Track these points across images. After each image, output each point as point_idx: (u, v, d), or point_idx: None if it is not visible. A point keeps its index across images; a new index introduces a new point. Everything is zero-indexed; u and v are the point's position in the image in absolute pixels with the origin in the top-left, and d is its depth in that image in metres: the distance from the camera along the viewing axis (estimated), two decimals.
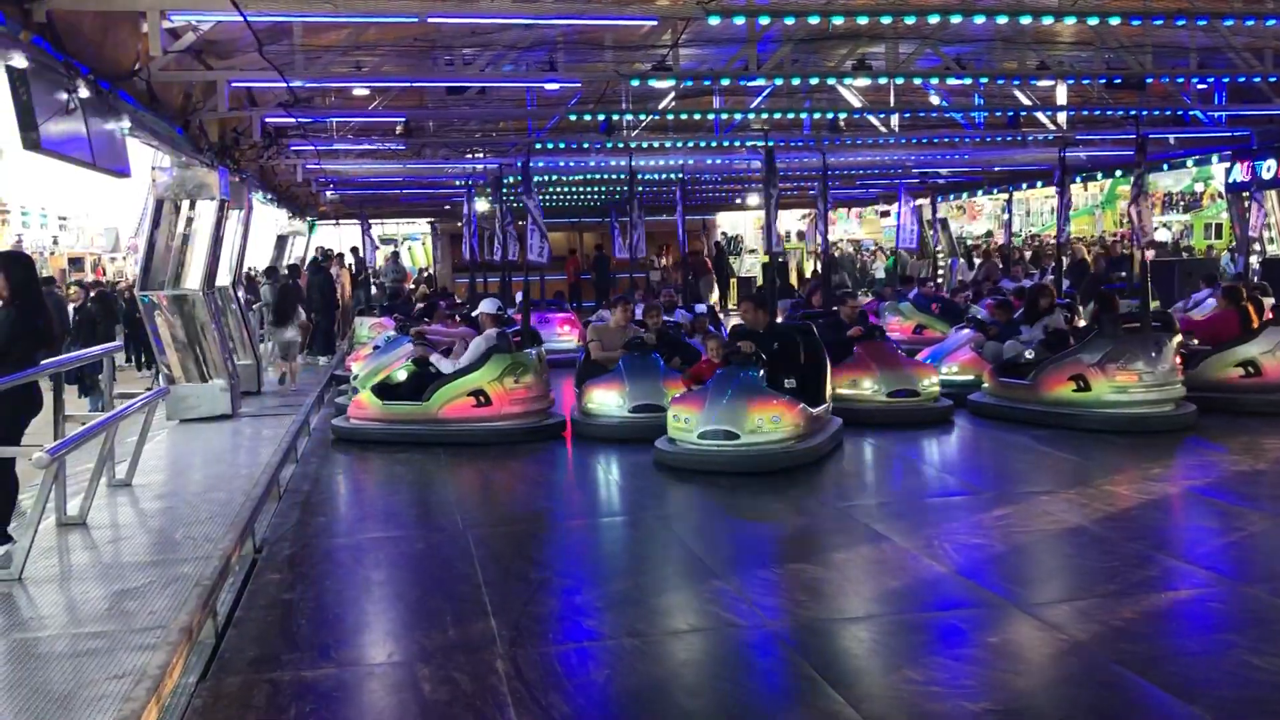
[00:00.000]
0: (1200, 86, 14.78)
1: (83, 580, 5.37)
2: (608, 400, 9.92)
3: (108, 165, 7.29)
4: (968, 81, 13.67)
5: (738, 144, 16.50)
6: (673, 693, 4.24)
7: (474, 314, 12.32)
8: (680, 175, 18.80)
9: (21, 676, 4.09)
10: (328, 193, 22.89)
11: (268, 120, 12.85)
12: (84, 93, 6.74)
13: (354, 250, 24.56)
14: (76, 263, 28.61)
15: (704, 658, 4.66)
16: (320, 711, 4.10)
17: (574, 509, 7.76)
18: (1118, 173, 21.64)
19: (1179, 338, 10.16)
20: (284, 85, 10.22)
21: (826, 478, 8.16)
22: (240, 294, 14.13)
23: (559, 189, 23.82)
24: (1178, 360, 9.78)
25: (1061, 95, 14.70)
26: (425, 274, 31.80)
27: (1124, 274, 17.48)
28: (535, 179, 20.13)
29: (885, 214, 32.42)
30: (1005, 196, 23.60)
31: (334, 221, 27.12)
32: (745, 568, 5.88)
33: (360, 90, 14.06)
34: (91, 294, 18.05)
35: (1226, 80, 14.01)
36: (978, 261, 24.02)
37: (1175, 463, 8.40)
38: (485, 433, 9.77)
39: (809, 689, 4.22)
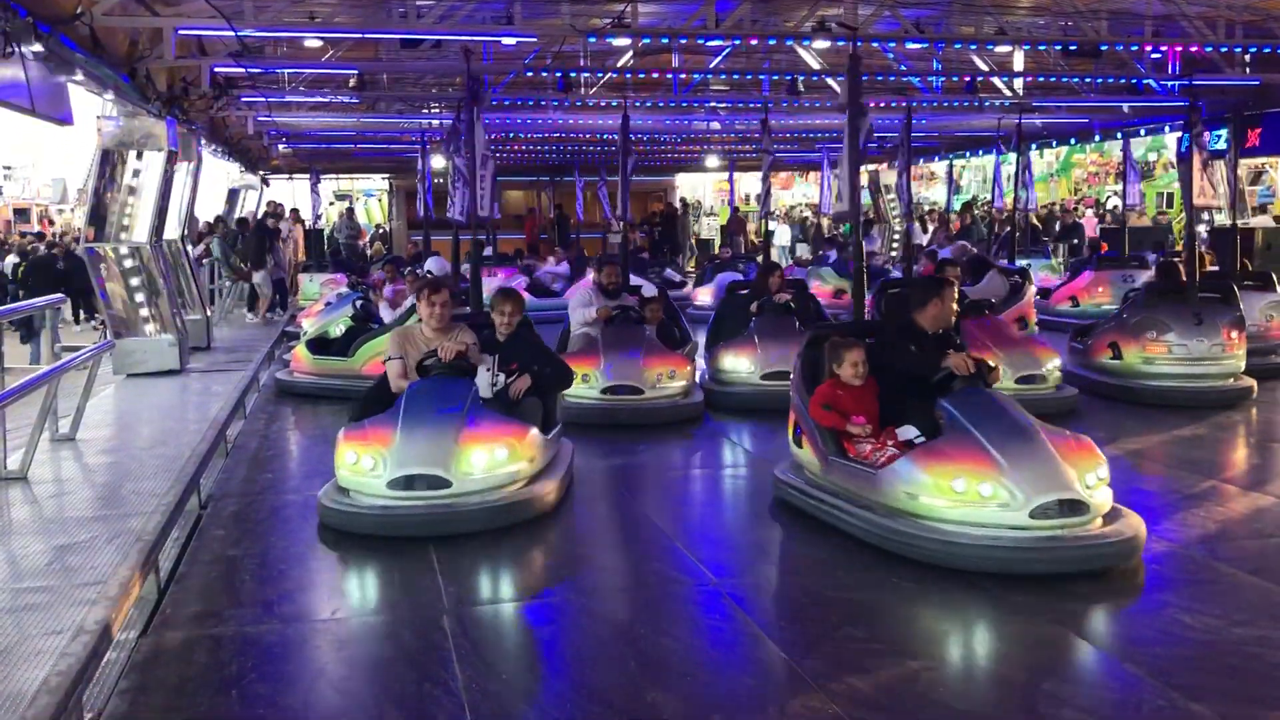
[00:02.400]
0: (1154, 56, 14.91)
1: (23, 535, 5.29)
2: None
3: (48, 112, 7.12)
4: (926, 45, 13.68)
5: (696, 105, 16.43)
6: (618, 647, 4.26)
7: (420, 271, 12.28)
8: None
9: None
10: (280, 146, 22.52)
11: (217, 70, 12.59)
12: (22, 36, 6.55)
13: (294, 211, 24.18)
14: (22, 213, 28.01)
15: (649, 613, 4.69)
16: (263, 666, 4.08)
17: None
18: (1072, 140, 21.82)
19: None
20: (233, 34, 10.01)
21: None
22: (189, 248, 13.92)
23: (518, 146, 23.61)
24: (1234, 335, 9.07)
25: (1019, 61, 14.76)
26: (380, 231, 31.49)
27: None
28: (492, 135, 20.00)
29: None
30: (963, 163, 23.78)
31: (286, 176, 26.72)
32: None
33: (312, 41, 13.82)
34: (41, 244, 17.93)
35: (1180, 50, 14.15)
36: (932, 227, 24.19)
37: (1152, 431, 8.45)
38: None
39: (752, 644, 4.27)
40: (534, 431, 6.03)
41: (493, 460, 5.65)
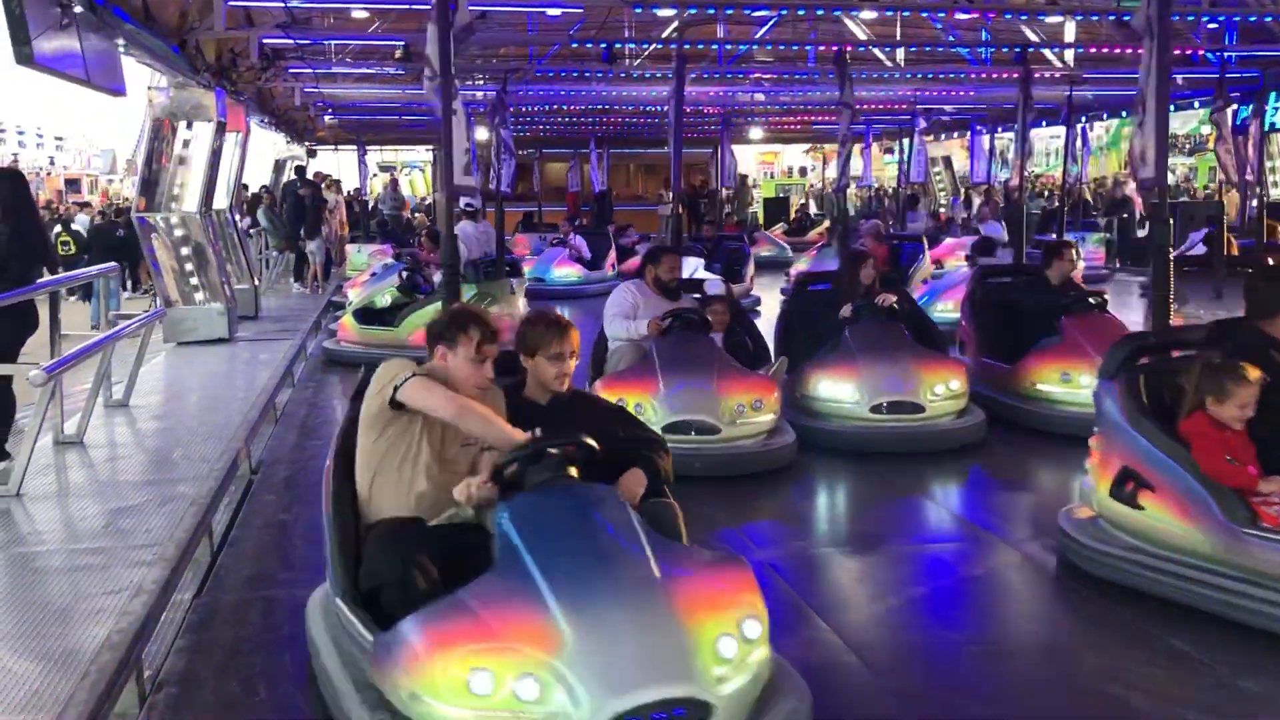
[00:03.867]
0: (1211, 26, 14.59)
1: (80, 498, 5.41)
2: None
3: (102, 83, 7.22)
4: (975, 16, 13.49)
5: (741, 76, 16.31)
6: None
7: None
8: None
9: (20, 590, 4.14)
10: (326, 117, 22.66)
11: (265, 41, 12.67)
12: (77, 8, 6.64)
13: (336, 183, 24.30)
14: (73, 184, 28.43)
15: None
16: None
17: None
18: (1123, 113, 21.44)
19: None
20: (281, 5, 10.07)
21: None
22: (237, 218, 14.07)
23: (559, 119, 23.59)
24: None
25: (1070, 32, 14.51)
26: (424, 203, 31.62)
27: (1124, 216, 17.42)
28: (536, 108, 20.00)
29: (889, 151, 32.16)
30: (1009, 136, 23.40)
31: (332, 147, 26.89)
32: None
33: (359, 13, 13.87)
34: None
35: (1238, 20, 13.83)
36: (977, 201, 23.92)
37: None
38: None
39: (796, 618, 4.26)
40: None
41: None
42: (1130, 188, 22.40)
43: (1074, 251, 8.20)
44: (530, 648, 2.79)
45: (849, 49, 15.26)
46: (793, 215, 27.95)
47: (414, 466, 3.47)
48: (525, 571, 2.95)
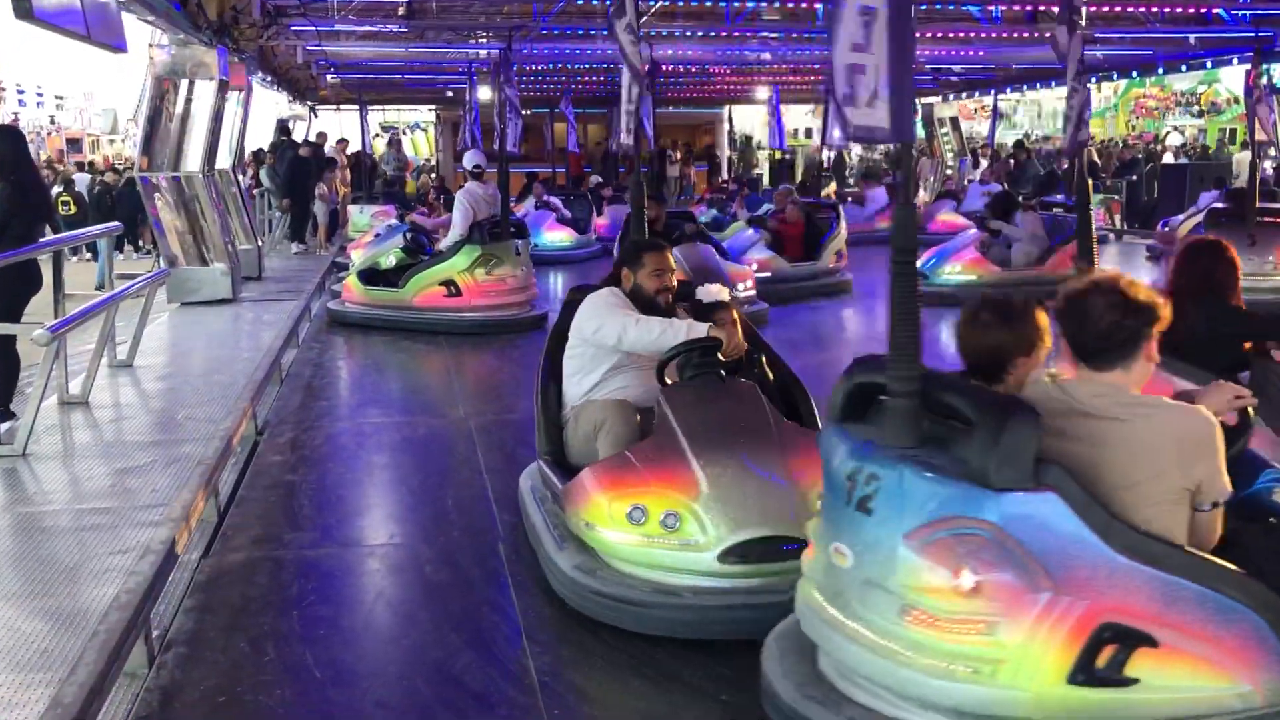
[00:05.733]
0: None
1: (85, 458, 5.39)
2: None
3: (103, 39, 7.10)
4: None
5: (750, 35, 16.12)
6: None
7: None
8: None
9: (28, 549, 4.12)
10: (328, 76, 22.44)
11: None
12: None
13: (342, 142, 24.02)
14: (75, 143, 28.27)
15: None
16: (322, 589, 4.15)
17: None
18: (1133, 74, 21.22)
19: None
20: None
21: None
22: (240, 178, 13.97)
23: (561, 78, 23.34)
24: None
25: None
26: (427, 163, 31.43)
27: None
28: (539, 66, 19.80)
29: None
30: (1018, 97, 23.22)
31: (334, 107, 26.67)
32: None
33: None
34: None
35: None
36: (983, 163, 23.74)
37: None
38: (455, 322, 9.71)
39: None
40: None
41: None
42: (1139, 149, 22.26)
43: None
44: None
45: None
46: (798, 177, 27.73)
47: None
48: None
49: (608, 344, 4.42)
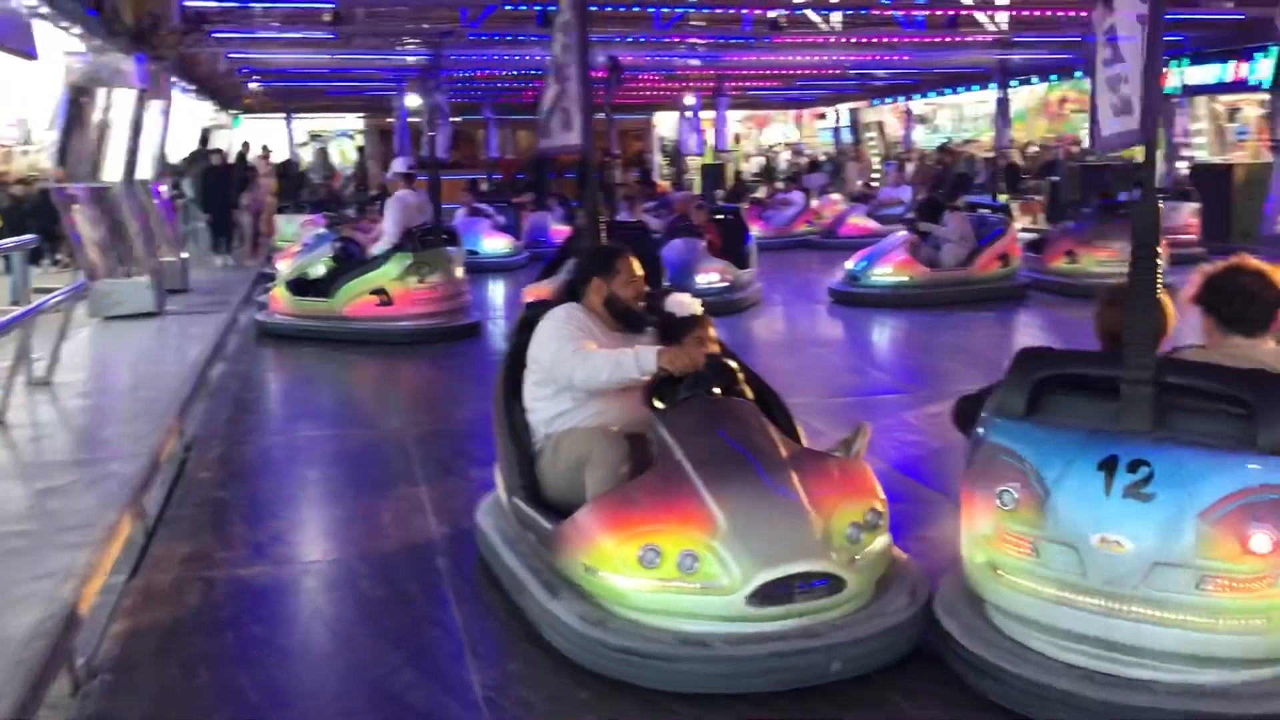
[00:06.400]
0: None
1: (3, 479, 5.19)
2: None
3: (12, 45, 6.88)
4: None
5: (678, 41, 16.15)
6: None
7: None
8: None
9: None
10: (252, 84, 22.05)
11: (187, 4, 12.24)
12: None
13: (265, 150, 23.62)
14: None
15: None
16: (256, 609, 4.03)
17: None
18: (1052, 77, 21.65)
19: None
20: None
21: None
22: (162, 189, 13.64)
23: (494, 85, 23.20)
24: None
25: None
26: (354, 172, 30.98)
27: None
28: (466, 73, 19.65)
29: (821, 116, 32.21)
30: (939, 101, 23.59)
31: (259, 115, 26.19)
32: None
33: None
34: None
35: None
36: (910, 168, 24.08)
37: None
38: (387, 332, 9.54)
39: None
40: None
41: None
42: (1058, 152, 22.76)
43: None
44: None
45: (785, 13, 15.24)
46: (729, 183, 27.86)
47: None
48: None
49: (563, 385, 4.03)
